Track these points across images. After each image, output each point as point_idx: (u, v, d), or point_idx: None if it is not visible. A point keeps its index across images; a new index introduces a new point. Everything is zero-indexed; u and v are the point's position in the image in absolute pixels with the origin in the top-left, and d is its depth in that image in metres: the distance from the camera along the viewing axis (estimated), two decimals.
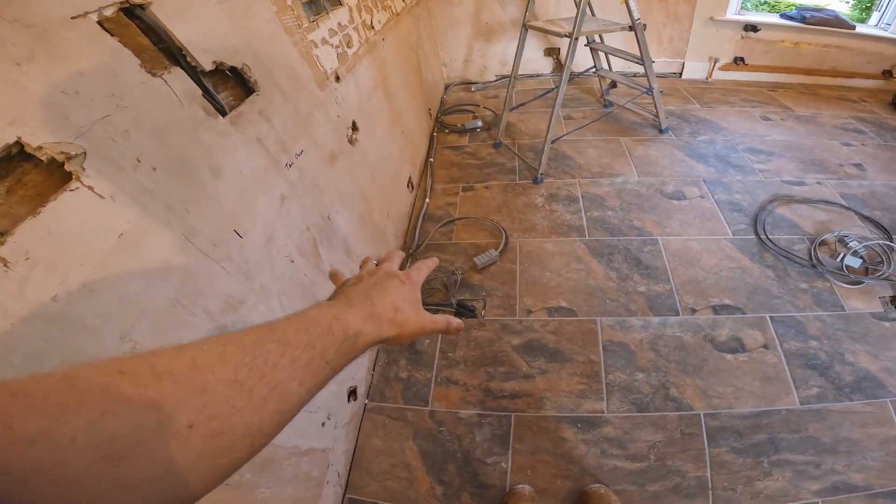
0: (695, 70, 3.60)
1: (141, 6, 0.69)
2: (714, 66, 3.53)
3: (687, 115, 3.03)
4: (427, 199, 2.34)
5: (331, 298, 0.45)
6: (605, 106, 3.19)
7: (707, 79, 3.59)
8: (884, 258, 1.87)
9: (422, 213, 2.24)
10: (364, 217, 1.58)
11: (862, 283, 1.78)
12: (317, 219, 1.22)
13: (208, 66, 0.82)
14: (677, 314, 1.69)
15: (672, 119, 2.94)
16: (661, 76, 3.63)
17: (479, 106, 3.30)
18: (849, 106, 3.14)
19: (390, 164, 1.96)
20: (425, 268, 0.53)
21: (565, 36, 2.18)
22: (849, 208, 2.15)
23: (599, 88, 3.28)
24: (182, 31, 0.76)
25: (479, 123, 2.96)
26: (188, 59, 0.77)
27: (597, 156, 2.60)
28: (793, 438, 1.36)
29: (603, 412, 1.43)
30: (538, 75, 3.78)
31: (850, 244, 1.90)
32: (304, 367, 0.31)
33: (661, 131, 2.79)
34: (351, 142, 1.48)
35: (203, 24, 0.81)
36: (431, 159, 2.66)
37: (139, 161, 0.66)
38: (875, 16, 3.44)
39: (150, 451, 0.22)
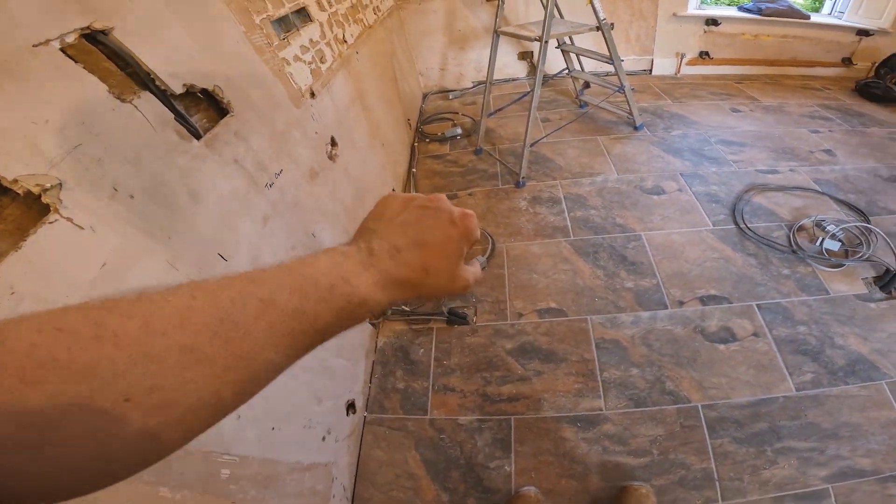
0: (663, 66, 3.69)
1: (103, 32, 0.67)
2: (681, 61, 3.61)
3: (660, 111, 3.09)
4: None
5: (358, 232, 0.37)
6: (580, 106, 3.24)
7: (676, 74, 3.68)
8: (862, 240, 1.91)
9: None
10: (350, 232, 1.55)
11: (843, 265, 1.81)
12: (301, 237, 1.20)
13: (179, 90, 0.80)
14: (666, 307, 1.71)
15: (646, 116, 2.99)
16: (631, 74, 3.70)
17: (457, 113, 3.32)
18: (813, 94, 3.23)
19: (372, 177, 1.95)
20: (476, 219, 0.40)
21: (535, 40, 2.22)
22: (823, 193, 2.20)
23: (574, 89, 3.33)
24: (149, 55, 0.75)
25: (459, 131, 2.98)
26: (157, 83, 0.76)
27: (576, 156, 2.64)
28: (793, 426, 1.37)
29: (601, 410, 1.43)
30: (514, 79, 3.82)
31: (828, 228, 1.94)
32: (284, 335, 0.26)
33: (636, 128, 2.84)
34: (331, 157, 1.47)
35: (170, 47, 0.80)
36: (414, 170, 2.66)
37: (116, 189, 0.65)
38: (828, 4, 3.56)
39: (80, 426, 0.19)
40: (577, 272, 1.88)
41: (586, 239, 2.03)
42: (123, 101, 0.70)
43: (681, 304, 1.71)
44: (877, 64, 3.23)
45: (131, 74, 0.73)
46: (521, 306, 1.77)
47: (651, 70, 3.72)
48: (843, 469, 1.28)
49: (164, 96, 0.78)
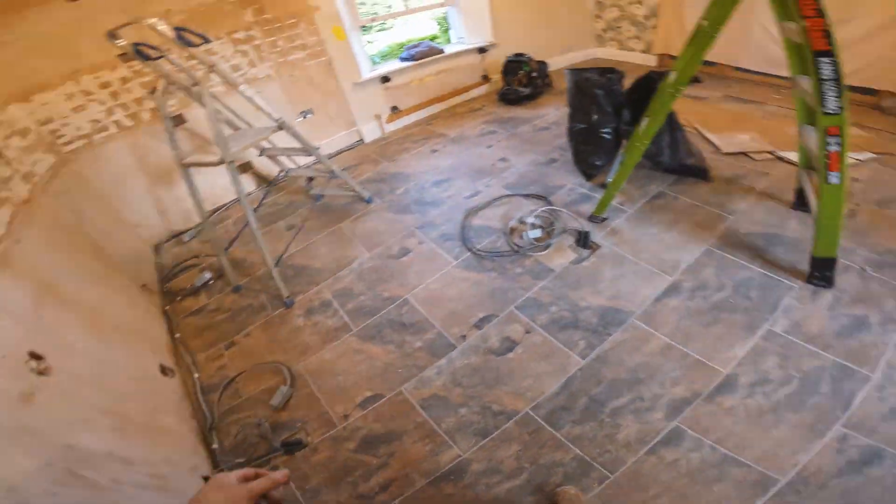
0: (371, 131, 4.03)
1: None
2: (381, 121, 4.02)
3: (382, 175, 3.39)
4: (196, 374, 2.13)
5: None
6: (316, 200, 3.24)
7: (383, 135, 4.07)
8: (553, 218, 2.49)
9: (198, 390, 2.03)
10: (122, 428, 1.39)
11: (550, 244, 2.33)
12: (51, 454, 1.05)
13: None
14: (454, 347, 1.94)
15: (372, 185, 3.24)
16: (349, 148, 3.96)
17: (199, 256, 3.04)
18: (477, 115, 4.02)
19: (124, 367, 1.73)
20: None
21: (219, 164, 2.14)
22: (513, 195, 2.80)
23: (303, 186, 3.37)
24: None
25: (209, 275, 2.75)
26: None
27: (329, 252, 2.68)
28: (602, 389, 1.61)
29: (461, 455, 1.55)
30: (247, 194, 3.64)
31: (527, 220, 2.48)
32: None
33: (367, 202, 3.02)
34: (42, 373, 1.24)
35: None
36: (177, 335, 2.40)
37: None
38: (452, 34, 4.46)
39: None
40: (372, 357, 1.98)
41: (366, 324, 2.15)
42: None
43: (463, 337, 1.97)
44: (501, 73, 4.15)
45: None
46: (342, 409, 1.80)
47: (363, 139, 4.00)
48: (669, 403, 1.48)
49: None
